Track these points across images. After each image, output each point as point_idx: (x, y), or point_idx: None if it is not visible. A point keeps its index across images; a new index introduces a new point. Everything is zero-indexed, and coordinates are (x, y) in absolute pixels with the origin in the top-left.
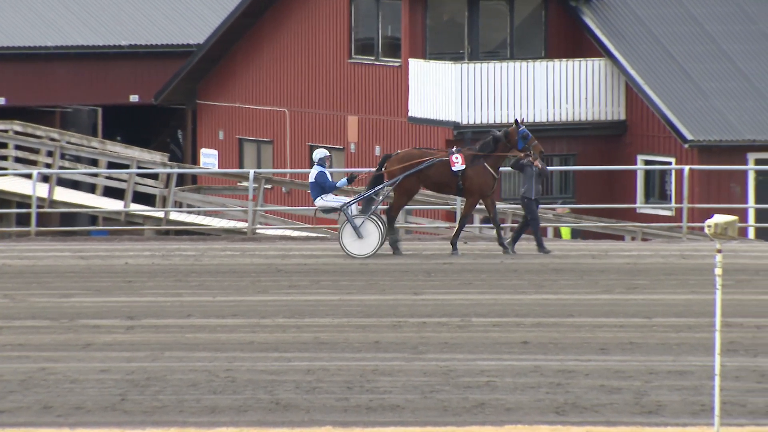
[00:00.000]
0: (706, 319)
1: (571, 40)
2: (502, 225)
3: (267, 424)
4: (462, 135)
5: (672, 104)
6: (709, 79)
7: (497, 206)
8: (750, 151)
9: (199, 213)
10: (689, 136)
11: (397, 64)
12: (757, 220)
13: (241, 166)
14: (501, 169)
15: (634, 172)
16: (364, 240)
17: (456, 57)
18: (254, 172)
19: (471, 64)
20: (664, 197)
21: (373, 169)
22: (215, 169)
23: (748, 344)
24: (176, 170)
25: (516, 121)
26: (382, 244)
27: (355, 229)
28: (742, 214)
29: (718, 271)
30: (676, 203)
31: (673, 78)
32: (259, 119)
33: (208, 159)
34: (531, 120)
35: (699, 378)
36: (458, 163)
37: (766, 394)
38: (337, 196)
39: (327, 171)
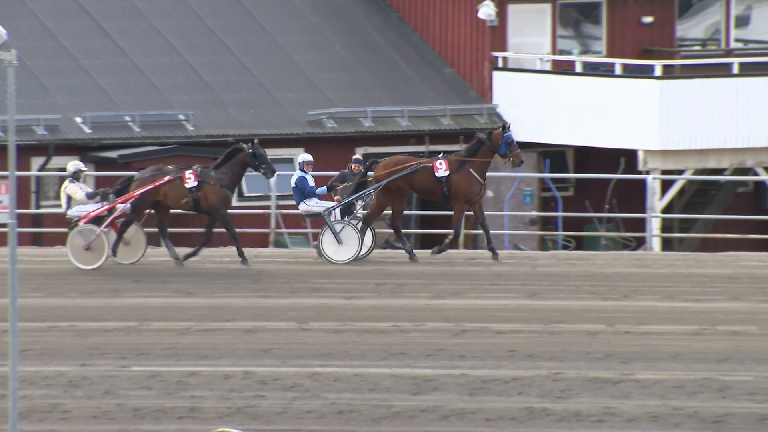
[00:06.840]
0: None
1: None
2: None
3: None
4: None
5: None
6: None
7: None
8: None
9: None
10: None
11: None
12: None
13: None
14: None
15: None
16: (344, 246)
17: None
18: None
19: None
20: None
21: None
22: None
23: None
24: None
25: (504, 125)
26: (360, 250)
27: (335, 234)
28: None
29: None
30: None
31: None
32: None
33: None
34: None
35: None
36: (442, 169)
37: None
38: (321, 201)
39: (308, 176)
